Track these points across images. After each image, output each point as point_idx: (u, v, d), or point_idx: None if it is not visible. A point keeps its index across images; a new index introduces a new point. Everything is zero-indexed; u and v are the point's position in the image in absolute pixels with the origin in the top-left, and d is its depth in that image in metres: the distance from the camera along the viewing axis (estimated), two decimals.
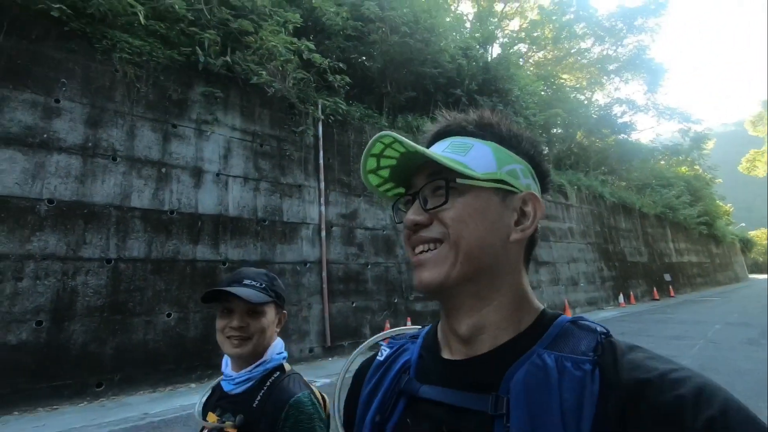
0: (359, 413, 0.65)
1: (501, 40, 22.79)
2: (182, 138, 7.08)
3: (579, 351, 0.48)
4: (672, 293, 21.32)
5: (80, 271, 5.68)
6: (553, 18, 24.52)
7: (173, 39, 7.43)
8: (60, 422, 4.54)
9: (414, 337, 0.68)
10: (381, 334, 0.77)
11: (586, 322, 0.53)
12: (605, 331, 0.51)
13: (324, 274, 8.10)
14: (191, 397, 5.37)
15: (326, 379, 6.26)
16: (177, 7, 6.92)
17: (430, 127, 0.65)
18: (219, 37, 7.40)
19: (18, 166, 5.50)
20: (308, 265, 8.07)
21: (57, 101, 5.98)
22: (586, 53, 24.63)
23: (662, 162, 28.75)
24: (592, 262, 16.92)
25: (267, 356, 1.17)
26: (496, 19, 23.15)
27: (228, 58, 7.59)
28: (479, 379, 0.52)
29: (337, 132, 9.39)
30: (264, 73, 7.65)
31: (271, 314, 1.20)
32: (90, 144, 6.12)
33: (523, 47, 24.55)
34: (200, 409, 1.18)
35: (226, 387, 1.16)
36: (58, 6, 5.90)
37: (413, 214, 0.57)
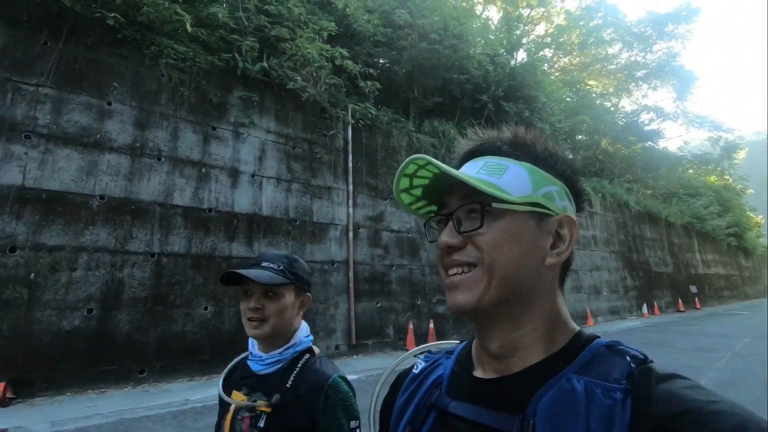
0: (392, 423, 0.66)
1: (526, 45, 22.73)
2: (221, 140, 7.42)
3: (611, 378, 0.47)
4: (698, 305, 20.83)
5: (127, 263, 6.04)
6: (580, 23, 24.32)
7: (213, 45, 7.80)
8: (109, 404, 4.87)
9: (449, 352, 0.68)
10: (419, 347, 0.77)
11: (623, 347, 0.52)
12: (642, 357, 0.50)
13: (351, 274, 8.33)
14: None
15: (353, 375, 6.45)
16: (220, 15, 7.26)
17: (463, 145, 0.64)
18: (257, 44, 7.71)
19: (74, 164, 5.90)
20: (336, 264, 8.31)
21: (109, 104, 6.37)
22: (613, 59, 24.31)
23: (690, 171, 28.11)
24: (616, 271, 16.73)
25: (296, 339, 1.18)
26: (522, 25, 23.11)
27: (265, 64, 7.91)
28: (507, 399, 0.52)
29: (366, 136, 9.63)
30: (299, 78, 7.93)
31: (289, 296, 1.18)
32: (138, 144, 6.50)
33: (548, 52, 24.44)
34: (222, 386, 1.19)
35: (254, 367, 1.17)
36: (113, 15, 6.30)
37: (447, 237, 0.56)
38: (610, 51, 24.61)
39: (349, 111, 9.22)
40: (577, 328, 0.57)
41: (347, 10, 9.12)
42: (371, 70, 9.25)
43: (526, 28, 24.10)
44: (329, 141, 8.89)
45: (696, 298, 21.28)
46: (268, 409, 1.07)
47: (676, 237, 22.85)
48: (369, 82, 9.08)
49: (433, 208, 0.64)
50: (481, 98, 12.38)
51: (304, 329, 1.22)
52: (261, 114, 8.05)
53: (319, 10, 9.53)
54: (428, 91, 11.89)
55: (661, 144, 24.46)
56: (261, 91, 8.05)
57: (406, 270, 9.43)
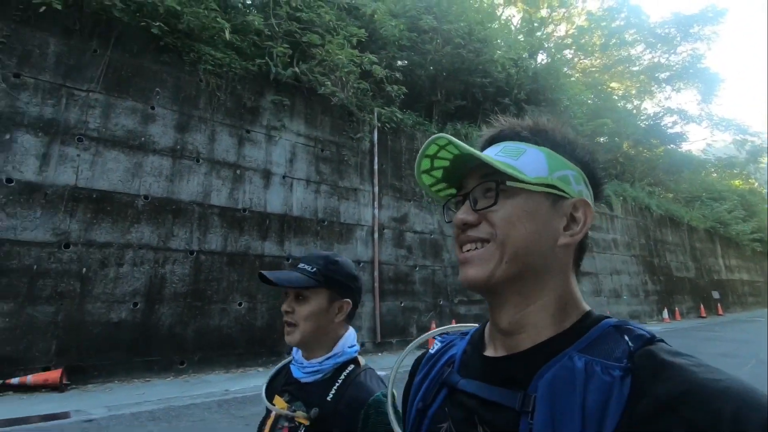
0: (410, 399, 0.69)
1: (547, 46, 22.60)
2: (254, 142, 7.72)
3: (613, 356, 0.48)
4: (720, 311, 20.49)
5: (168, 260, 6.37)
6: (602, 24, 24.06)
7: (246, 50, 8.10)
8: (156, 392, 5.19)
9: (464, 334, 0.70)
10: (436, 329, 0.79)
11: (631, 327, 0.52)
12: (649, 336, 0.50)
13: (376, 273, 8.56)
14: (261, 379, 5.91)
15: (379, 372, 6.68)
16: (256, 22, 7.55)
17: (484, 132, 0.66)
18: (289, 49, 7.98)
19: (121, 166, 6.25)
20: (362, 264, 8.55)
21: (152, 108, 6.72)
22: (636, 61, 24.00)
23: (714, 174, 27.59)
24: (636, 275, 16.61)
25: (338, 348, 1.10)
26: (543, 27, 23.00)
27: (296, 69, 8.19)
28: (512, 376, 0.54)
29: (391, 139, 9.84)
30: (329, 83, 8.19)
31: (319, 301, 1.10)
32: (178, 147, 6.83)
33: (569, 53, 24.23)
34: (265, 389, 1.16)
35: (296, 373, 1.11)
36: (157, 24, 6.64)
37: (463, 214, 0.58)
38: (633, 52, 24.28)
39: (375, 114, 9.45)
40: (588, 308, 0.57)
41: (375, 16, 9.32)
42: (397, 74, 9.44)
43: (547, 29, 23.99)
44: (356, 144, 9.13)
45: (718, 304, 20.92)
46: (306, 422, 1.01)
47: (699, 241, 22.48)
48: (395, 87, 9.28)
49: (453, 191, 0.66)
50: (503, 101, 12.47)
51: (349, 338, 1.14)
52: (291, 117, 8.33)
53: (346, 15, 9.78)
54: (451, 94, 12.04)
55: (685, 147, 24.08)
56: (292, 95, 8.33)
57: (429, 271, 9.61)
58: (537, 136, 0.60)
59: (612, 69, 23.73)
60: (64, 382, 5.13)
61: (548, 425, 0.47)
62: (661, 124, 21.95)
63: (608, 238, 15.78)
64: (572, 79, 18.56)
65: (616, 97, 22.39)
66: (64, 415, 4.22)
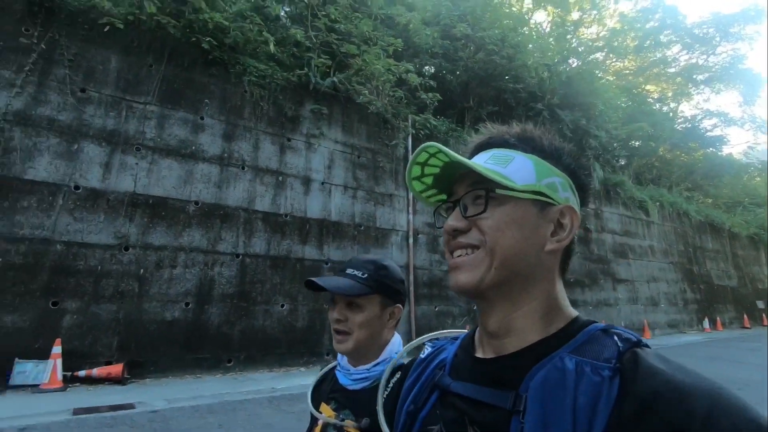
0: (399, 403, 0.70)
1: (579, 50, 22.29)
2: (295, 150, 8.01)
3: (602, 357, 0.49)
4: (766, 322, 19.56)
5: (217, 263, 6.70)
6: (637, 26, 23.55)
7: (285, 62, 8.43)
8: (208, 388, 5.47)
9: (455, 339, 0.71)
10: (427, 335, 0.80)
11: (618, 330, 0.54)
12: (635, 339, 0.52)
13: (411, 278, 8.69)
14: (304, 378, 6.14)
15: None
16: (298, 35, 7.87)
17: (473, 138, 0.68)
18: (329, 60, 8.26)
19: (174, 173, 6.63)
20: None
21: (202, 118, 7.10)
22: (672, 62, 23.37)
23: (758, 179, 26.41)
24: (674, 283, 16.09)
25: (386, 354, 1.08)
26: (574, 29, 22.71)
27: (335, 79, 8.46)
28: (503, 377, 0.55)
29: (423, 144, 9.96)
30: (366, 92, 8.42)
31: (373, 308, 1.08)
32: (225, 155, 7.18)
33: (600, 56, 23.79)
34: (310, 395, 1.13)
35: (342, 380, 1.09)
36: (207, 39, 7.03)
37: (453, 221, 0.59)
38: (668, 54, 23.66)
39: (410, 121, 9.62)
40: (575, 313, 0.59)
41: (410, 26, 9.52)
42: (431, 82, 9.59)
43: (579, 33, 23.66)
44: (390, 150, 9.32)
45: (764, 314, 19.97)
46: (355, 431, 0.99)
47: (741, 249, 21.55)
48: (430, 94, 9.43)
49: (443, 197, 0.67)
50: (535, 106, 12.43)
51: (396, 344, 1.12)
52: (329, 125, 8.59)
53: (380, 25, 10.02)
54: (483, 99, 12.10)
55: (725, 150, 23.22)
56: (330, 104, 8.60)
57: None
58: (525, 144, 0.62)
59: (647, 71, 23.16)
60: (125, 375, 5.48)
61: (539, 424, 0.48)
62: (700, 127, 21.24)
63: (644, 244, 15.38)
64: (604, 81, 18.22)
65: (651, 100, 21.84)
66: (130, 406, 4.53)
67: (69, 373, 5.23)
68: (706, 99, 25.87)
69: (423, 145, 0.59)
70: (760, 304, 20.61)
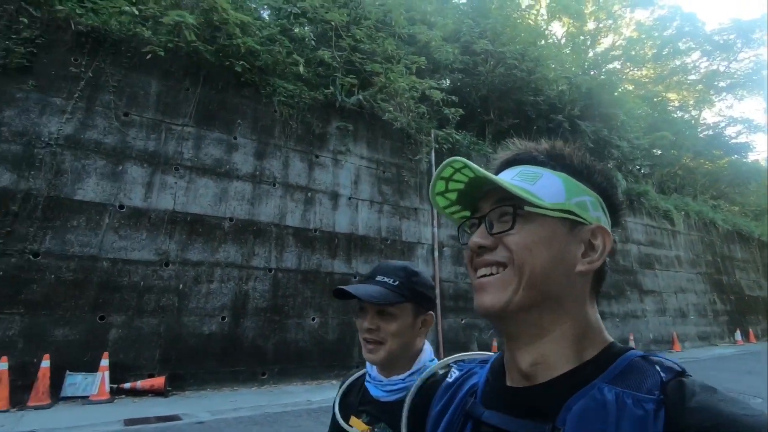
0: (429, 430, 0.67)
1: (596, 60, 22.27)
2: (323, 166, 8.24)
3: (644, 388, 0.47)
4: None
5: (251, 277, 6.90)
6: (654, 34, 23.46)
7: (312, 81, 8.72)
8: (247, 400, 5.62)
9: (484, 362, 0.68)
10: (454, 356, 0.77)
11: (658, 358, 0.51)
12: (680, 369, 0.49)
13: (437, 291, 8.75)
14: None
15: None
16: (326, 56, 8.16)
17: (500, 155, 0.66)
18: (356, 79, 8.52)
19: (210, 191, 6.90)
20: None
21: (235, 138, 7.38)
22: (692, 70, 23.14)
23: None
24: (703, 294, 15.72)
25: (420, 363, 1.06)
26: (593, 40, 22.74)
27: (360, 96, 8.71)
28: (538, 408, 0.52)
29: (447, 158, 10.10)
30: (391, 109, 8.63)
31: (406, 316, 1.04)
32: (257, 173, 7.44)
33: (617, 64, 23.70)
34: (339, 410, 1.10)
35: (374, 392, 1.05)
36: (241, 63, 7.35)
37: (478, 237, 0.57)
38: (688, 61, 23.45)
39: (432, 136, 9.79)
40: (610, 339, 0.56)
41: (432, 43, 9.75)
42: (453, 98, 9.77)
43: (595, 43, 23.66)
44: (414, 165, 9.49)
45: None
46: None
47: None
48: (452, 109, 9.60)
49: (467, 213, 0.65)
50: (556, 118, 12.48)
51: (427, 352, 1.09)
52: (355, 142, 8.81)
53: (402, 43, 10.28)
54: (503, 112, 12.22)
55: (751, 157, 22.74)
56: (355, 121, 8.83)
57: None
58: (554, 161, 0.60)
59: (667, 79, 22.97)
60: (167, 387, 5.67)
61: None
62: (724, 135, 20.90)
63: (671, 254, 15.12)
64: (623, 90, 18.13)
65: (672, 108, 21.62)
66: (176, 418, 4.70)
67: (115, 386, 5.45)
68: (729, 106, 25.47)
69: (448, 159, 0.57)
70: None
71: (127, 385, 5.52)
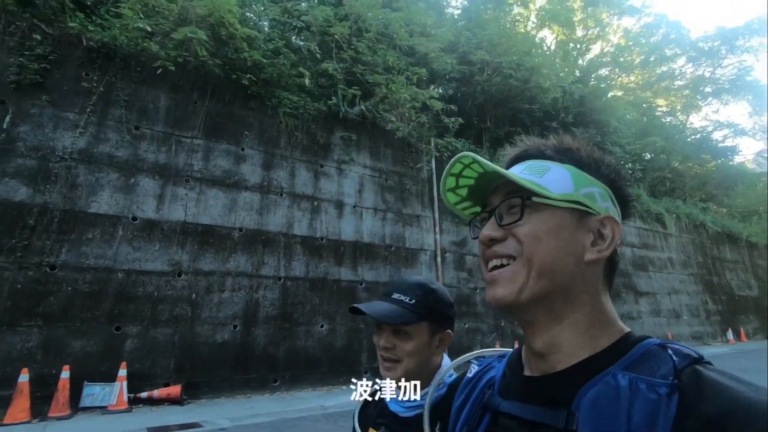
0: (450, 424, 0.68)
1: (584, 65, 22.77)
2: (327, 176, 8.41)
3: (658, 374, 0.47)
4: None
5: (261, 286, 7.03)
6: (642, 41, 24.06)
7: (314, 92, 8.90)
8: (262, 407, 5.73)
9: (502, 356, 0.69)
10: (472, 353, 0.79)
11: (676, 346, 0.51)
12: (697, 356, 0.49)
13: None
14: (348, 396, 6.37)
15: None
16: (330, 69, 8.37)
17: (509, 151, 0.67)
18: (359, 91, 8.72)
19: (220, 202, 7.04)
20: None
21: (243, 149, 7.53)
22: (679, 76, 23.77)
23: None
24: (695, 295, 16.10)
25: (438, 379, 1.02)
26: (580, 46, 23.26)
27: (363, 107, 8.92)
28: (554, 396, 0.53)
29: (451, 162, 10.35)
30: (394, 119, 8.85)
31: (422, 335, 1.04)
32: (265, 183, 7.59)
33: (605, 71, 24.23)
34: (358, 422, 1.11)
35: (393, 407, 1.05)
36: (248, 76, 7.52)
37: (489, 230, 0.58)
38: (674, 67, 24.07)
39: (433, 144, 10.02)
40: (627, 329, 0.56)
41: (431, 55, 10.01)
42: (452, 107, 10.02)
43: (583, 48, 24.20)
44: (416, 173, 9.70)
45: None
46: None
47: (760, 258, 21.46)
48: (452, 118, 9.85)
49: (477, 209, 0.66)
50: (550, 125, 12.79)
51: (446, 367, 1.07)
52: (358, 151, 9.00)
53: (401, 54, 10.52)
54: (499, 120, 12.51)
55: (737, 160, 23.34)
56: (357, 131, 9.03)
57: None
58: (561, 155, 0.61)
59: (655, 85, 23.54)
60: (183, 396, 5.77)
61: None
62: (711, 139, 21.47)
63: (663, 256, 15.47)
64: (611, 95, 18.54)
65: (660, 113, 22.14)
66: (197, 425, 4.80)
67: (132, 395, 5.53)
68: (716, 110, 26.13)
69: (458, 155, 0.59)
70: None
71: (143, 395, 5.60)
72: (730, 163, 22.63)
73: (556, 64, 14.50)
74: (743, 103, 23.33)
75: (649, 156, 18.37)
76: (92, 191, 6.04)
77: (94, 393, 5.34)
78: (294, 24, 8.74)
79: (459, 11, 16.34)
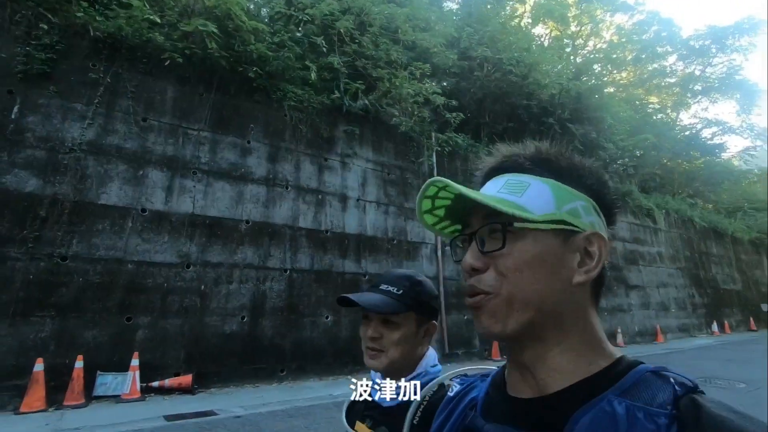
0: None
1: (577, 61, 23.02)
2: (331, 169, 8.49)
3: (655, 403, 0.45)
4: None
5: (267, 278, 7.12)
6: (634, 38, 24.37)
7: (316, 85, 8.93)
8: (272, 396, 5.86)
9: (485, 376, 0.66)
10: (453, 371, 0.76)
11: (670, 374, 0.49)
12: (692, 385, 0.47)
13: (441, 288, 9.12)
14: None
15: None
16: (335, 63, 8.40)
17: (486, 162, 0.63)
18: (363, 85, 8.78)
19: (227, 194, 7.09)
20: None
21: (248, 142, 7.57)
22: (670, 73, 24.17)
23: (758, 184, 27.06)
24: (683, 288, 16.58)
25: (421, 369, 1.07)
26: (573, 42, 23.49)
27: (366, 101, 8.98)
28: (544, 420, 0.50)
29: (447, 161, 10.49)
30: (397, 113, 8.94)
31: (410, 325, 1.06)
32: (271, 176, 7.65)
33: (597, 67, 24.49)
34: (345, 416, 1.12)
35: (376, 398, 1.06)
36: (254, 69, 7.53)
37: (471, 258, 0.55)
38: (665, 64, 24.44)
39: (434, 139, 10.14)
40: (619, 353, 0.54)
41: (434, 49, 10.09)
42: (454, 102, 10.13)
43: (576, 45, 24.44)
44: (417, 167, 9.82)
45: None
46: None
47: (744, 253, 22.10)
48: (454, 114, 9.97)
49: (458, 227, 0.63)
50: (547, 121, 12.99)
51: (431, 358, 1.11)
52: (361, 145, 9.09)
53: (404, 49, 10.57)
54: (497, 116, 12.66)
55: (723, 156, 23.86)
56: (360, 125, 9.10)
57: None
58: (540, 166, 0.58)
59: (647, 83, 23.91)
60: (194, 385, 5.87)
61: None
62: (700, 136, 21.94)
63: (653, 251, 15.88)
64: (607, 91, 18.82)
65: (651, 110, 22.52)
66: (212, 413, 4.92)
67: (144, 384, 5.62)
68: (705, 108, 26.62)
69: (430, 180, 0.57)
70: (765, 307, 21.07)
71: (155, 384, 5.69)
72: (717, 160, 23.16)
73: (555, 60, 14.69)
74: (731, 102, 23.80)
75: (640, 152, 18.75)
76: (102, 183, 6.05)
77: (106, 382, 5.41)
78: (300, 17, 8.73)
79: (457, 6, 16.40)
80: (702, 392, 0.47)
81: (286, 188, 7.78)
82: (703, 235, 19.46)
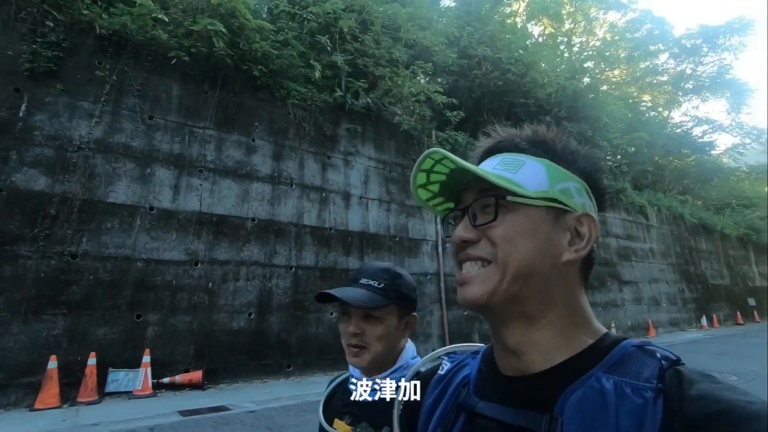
0: (422, 424, 0.66)
1: (571, 58, 23.24)
2: (335, 167, 8.57)
3: (642, 377, 0.46)
4: (757, 318, 20.56)
5: (273, 275, 7.21)
6: (627, 36, 24.65)
7: (318, 83, 8.98)
8: (281, 391, 5.97)
9: (475, 353, 0.67)
10: (444, 348, 0.75)
11: (654, 348, 0.50)
12: (675, 358, 0.49)
13: (442, 284, 9.28)
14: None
15: None
16: (339, 62, 8.46)
17: (482, 143, 0.64)
18: (365, 84, 8.85)
19: (233, 192, 7.14)
20: (429, 276, 9.28)
21: (253, 140, 7.62)
22: (662, 72, 24.52)
23: (746, 182, 27.64)
24: (674, 283, 16.96)
25: (402, 361, 1.06)
26: (568, 39, 23.70)
27: (369, 100, 9.06)
28: (534, 398, 0.51)
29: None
30: (399, 112, 9.03)
31: (391, 319, 1.05)
32: (276, 174, 7.71)
33: (591, 64, 24.74)
34: (323, 413, 1.10)
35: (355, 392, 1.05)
36: (259, 67, 7.57)
37: (462, 231, 0.56)
38: (658, 62, 24.78)
39: (434, 137, 10.25)
40: (605, 329, 0.55)
41: (435, 48, 10.17)
42: (454, 100, 10.24)
43: (570, 42, 24.65)
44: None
45: (755, 311, 20.99)
46: None
47: (732, 249, 22.61)
48: (454, 112, 10.09)
49: (450, 205, 0.63)
50: (544, 119, 13.15)
51: (410, 350, 1.10)
52: (363, 143, 9.17)
53: (404, 48, 10.64)
54: (495, 114, 12.79)
55: (714, 153, 24.33)
56: (362, 123, 9.19)
57: None
58: (536, 147, 0.58)
59: (640, 81, 24.22)
60: (204, 381, 5.95)
61: None
62: (692, 134, 22.33)
63: (645, 247, 16.20)
64: (602, 89, 19.06)
65: (644, 108, 22.85)
66: (225, 408, 5.01)
67: (155, 380, 5.69)
68: (695, 107, 27.05)
69: (427, 151, 0.57)
70: (751, 302, 21.63)
71: (166, 380, 5.77)
72: (707, 157, 23.60)
73: (552, 58, 14.86)
74: (722, 101, 24.22)
75: (633, 150, 19.05)
76: (110, 181, 6.08)
77: (118, 379, 5.48)
78: (303, 15, 8.75)
79: (454, 3, 16.46)
80: (683, 364, 0.49)
81: (291, 186, 7.85)
82: (693, 231, 19.87)
